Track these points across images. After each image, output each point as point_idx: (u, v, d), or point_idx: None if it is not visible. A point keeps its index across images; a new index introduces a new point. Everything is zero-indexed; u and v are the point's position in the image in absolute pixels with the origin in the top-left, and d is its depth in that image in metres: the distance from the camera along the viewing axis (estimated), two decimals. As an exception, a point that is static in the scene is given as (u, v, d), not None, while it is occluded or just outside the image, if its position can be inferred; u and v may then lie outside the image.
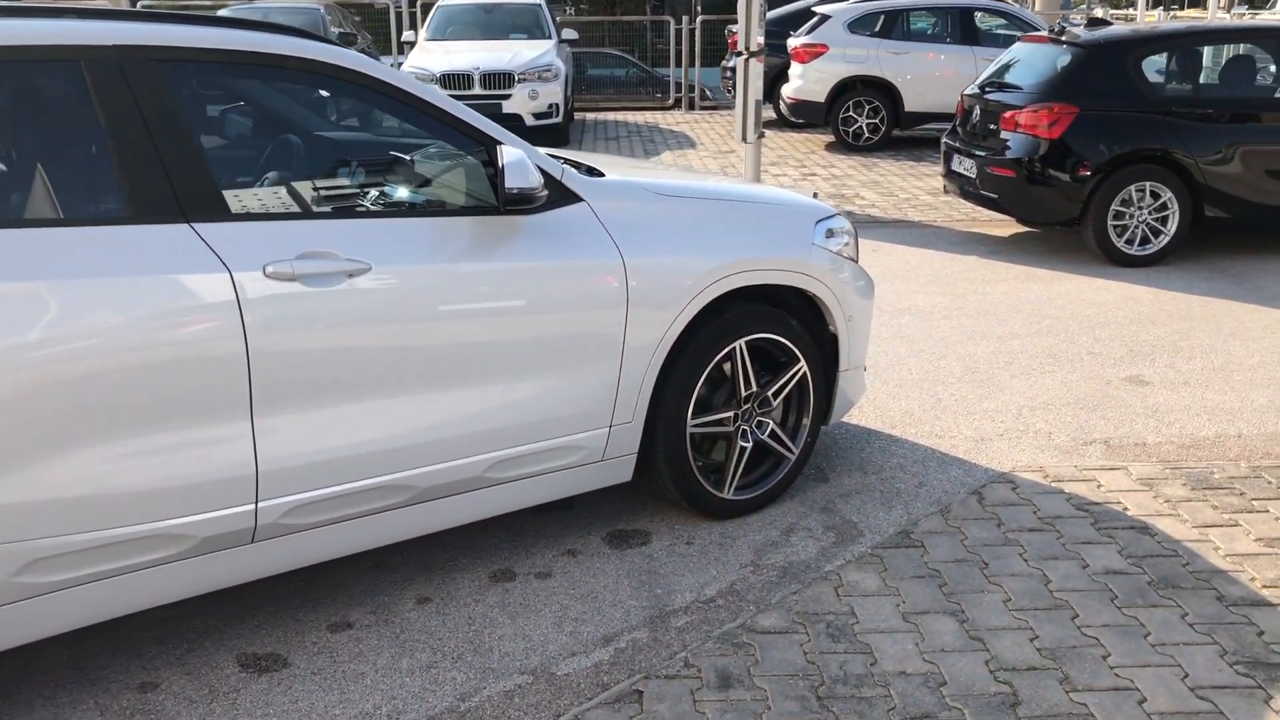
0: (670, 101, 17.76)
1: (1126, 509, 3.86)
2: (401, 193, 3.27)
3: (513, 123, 12.28)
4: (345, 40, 14.65)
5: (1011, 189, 7.60)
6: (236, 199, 2.89)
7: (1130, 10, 17.96)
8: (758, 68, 8.13)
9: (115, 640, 3.10)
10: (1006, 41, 11.36)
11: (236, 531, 2.84)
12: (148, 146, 2.67)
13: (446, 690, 2.90)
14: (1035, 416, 4.75)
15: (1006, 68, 8.25)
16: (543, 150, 3.57)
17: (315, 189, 3.15)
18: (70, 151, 2.72)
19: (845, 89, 12.51)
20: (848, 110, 12.53)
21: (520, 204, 3.11)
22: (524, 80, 12.50)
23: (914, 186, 10.40)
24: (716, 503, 3.76)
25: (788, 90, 13.07)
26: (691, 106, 17.15)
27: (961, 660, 2.99)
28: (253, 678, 2.95)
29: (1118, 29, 8.09)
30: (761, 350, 3.77)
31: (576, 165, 3.69)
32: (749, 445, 3.79)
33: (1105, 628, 3.13)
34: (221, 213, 2.77)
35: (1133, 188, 7.26)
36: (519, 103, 12.47)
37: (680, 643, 3.09)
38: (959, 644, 3.06)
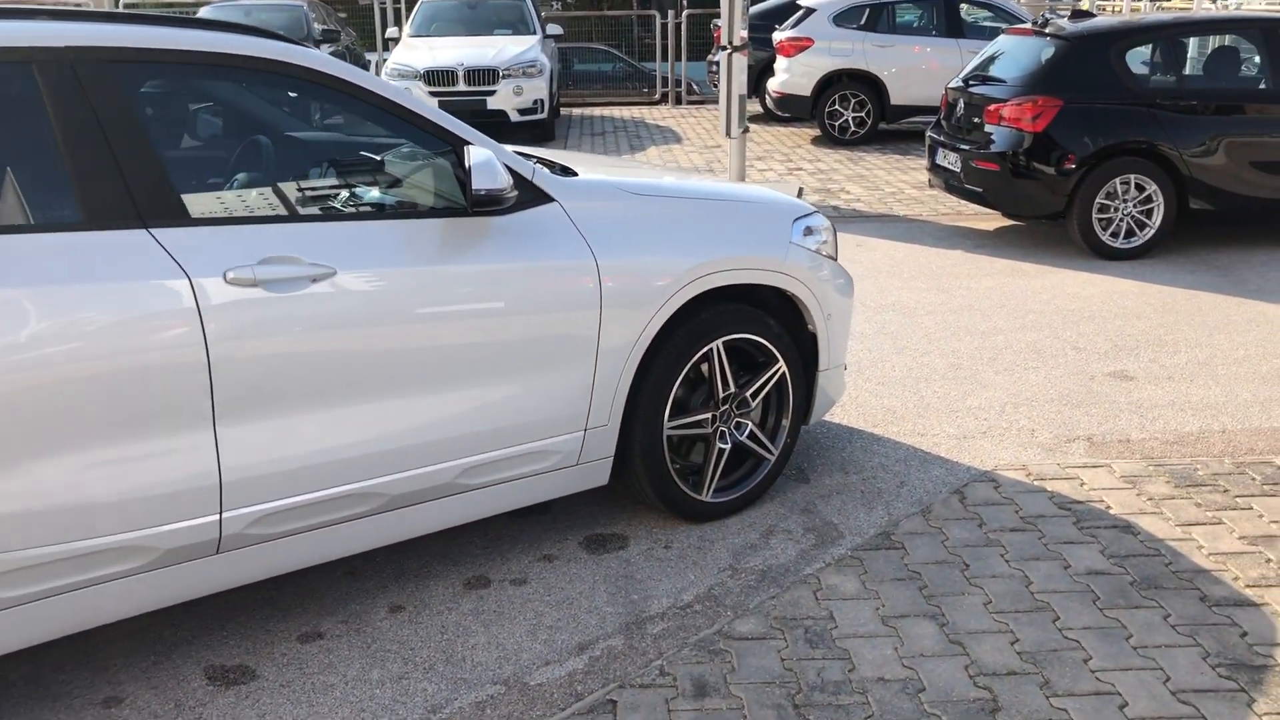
0: (657, 96, 17.70)
1: (1109, 507, 3.82)
2: (369, 195, 3.21)
3: (498, 119, 12.24)
4: (329, 37, 14.53)
5: (996, 183, 7.56)
6: (197, 203, 2.82)
7: (1116, 1, 17.90)
8: (741, 62, 8.08)
9: (79, 653, 3.04)
10: (992, 34, 11.30)
11: (201, 543, 2.78)
12: (103, 150, 2.61)
13: (417, 702, 2.85)
14: (1019, 413, 4.71)
15: (991, 61, 8.20)
16: (513, 149, 3.51)
17: (279, 192, 3.09)
18: (23, 156, 2.65)
19: (831, 82, 12.46)
20: (833, 104, 12.48)
21: (489, 205, 3.05)
22: (509, 76, 12.43)
23: (899, 180, 10.35)
24: (695, 505, 3.72)
25: (773, 84, 13.01)
26: (678, 101, 17.09)
27: (941, 665, 2.94)
28: (220, 691, 2.89)
29: (1101, 21, 8.05)
30: (739, 350, 3.72)
31: (550, 164, 3.63)
32: (728, 447, 3.74)
33: (1086, 630, 3.09)
34: (181, 217, 2.71)
35: (1117, 180, 7.22)
36: (504, 99, 12.40)
37: (656, 650, 3.05)
38: (938, 648, 3.02)
